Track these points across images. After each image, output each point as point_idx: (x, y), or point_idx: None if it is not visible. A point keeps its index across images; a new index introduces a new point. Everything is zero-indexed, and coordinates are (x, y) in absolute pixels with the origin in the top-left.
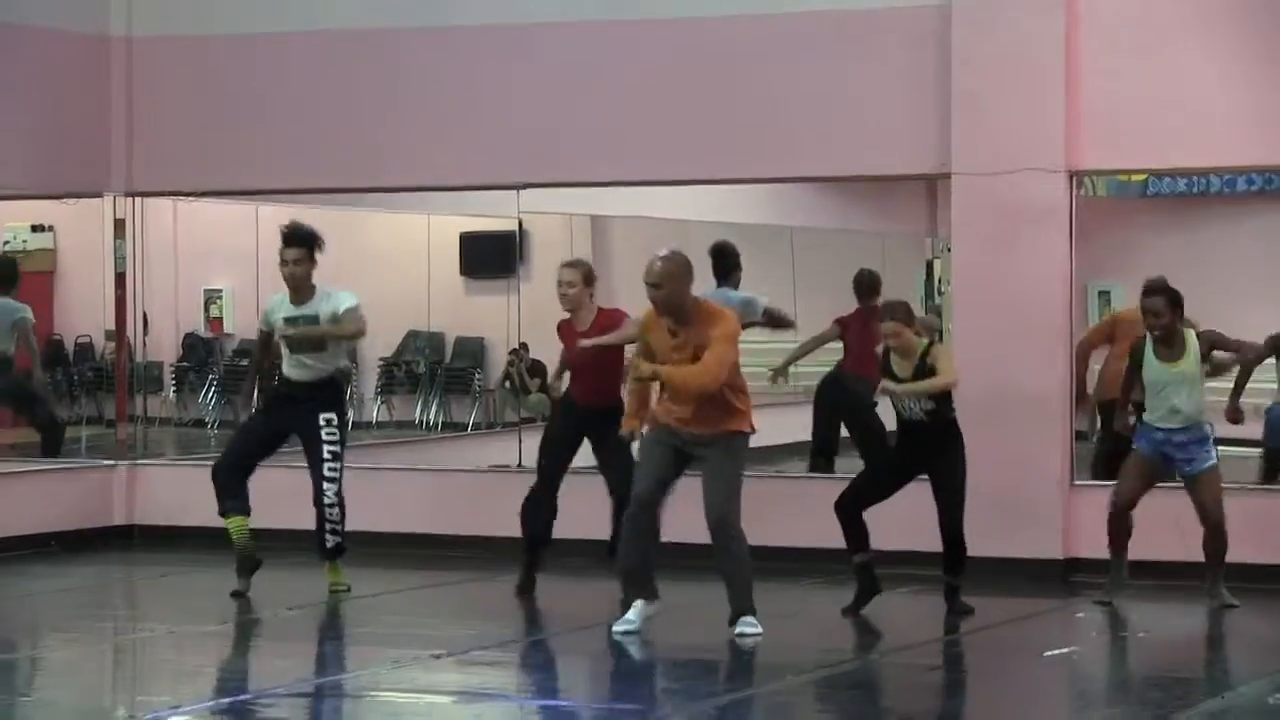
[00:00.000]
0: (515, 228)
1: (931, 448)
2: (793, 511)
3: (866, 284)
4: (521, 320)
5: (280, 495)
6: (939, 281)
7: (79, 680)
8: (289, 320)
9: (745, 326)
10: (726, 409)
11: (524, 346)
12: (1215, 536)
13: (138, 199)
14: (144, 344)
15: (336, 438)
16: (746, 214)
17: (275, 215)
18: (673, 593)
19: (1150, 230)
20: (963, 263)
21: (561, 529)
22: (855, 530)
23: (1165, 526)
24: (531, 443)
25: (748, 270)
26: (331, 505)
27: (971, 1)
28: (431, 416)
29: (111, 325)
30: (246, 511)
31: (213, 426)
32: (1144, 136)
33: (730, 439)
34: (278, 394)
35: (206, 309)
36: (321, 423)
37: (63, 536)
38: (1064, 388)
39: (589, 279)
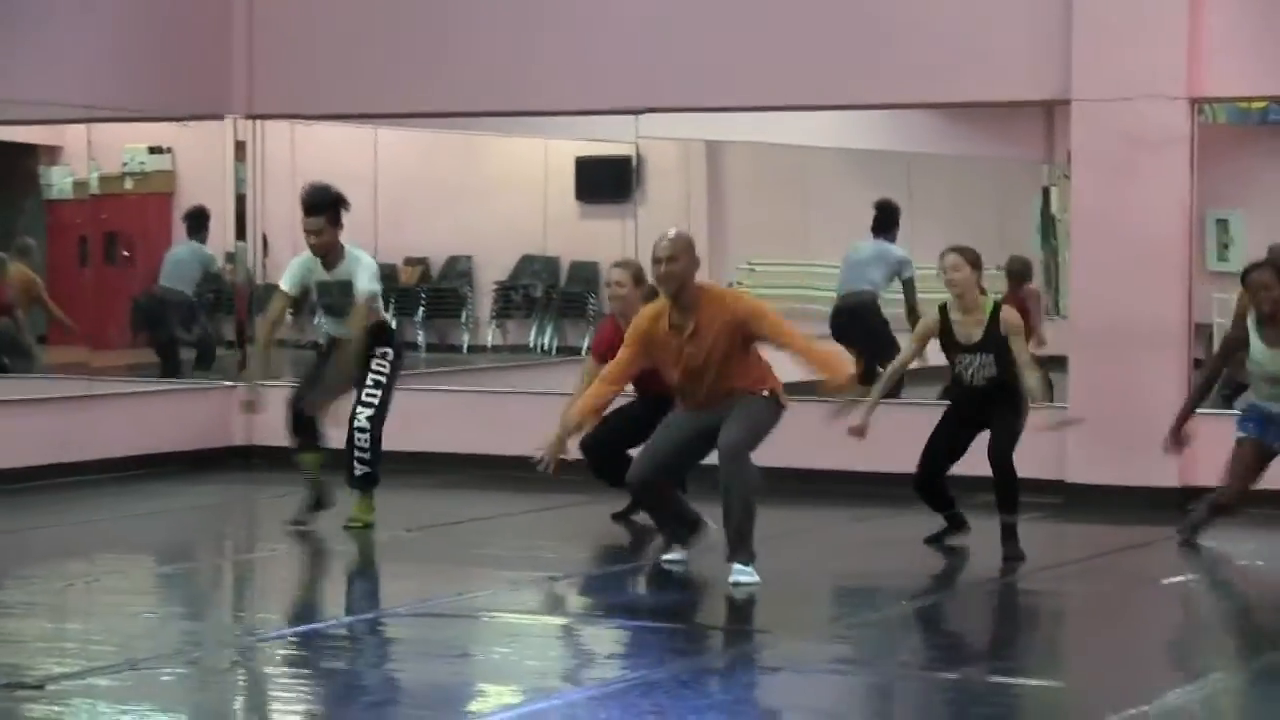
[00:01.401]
0: (631, 153)
1: (991, 404)
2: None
3: (1019, 269)
4: (638, 245)
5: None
6: (1055, 209)
7: (202, 599)
8: (322, 286)
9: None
10: (751, 376)
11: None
12: None
13: (258, 121)
14: (264, 266)
15: (385, 370)
16: (862, 140)
17: (393, 139)
18: (790, 519)
19: (1270, 158)
20: (1082, 191)
21: None
22: (941, 501)
23: None
24: None
25: (863, 196)
26: (362, 430)
27: None
28: (546, 341)
29: (231, 248)
30: (312, 448)
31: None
32: (1267, 63)
33: (765, 398)
34: (331, 345)
35: None
36: (377, 354)
37: (182, 457)
38: (1182, 316)
39: (639, 279)
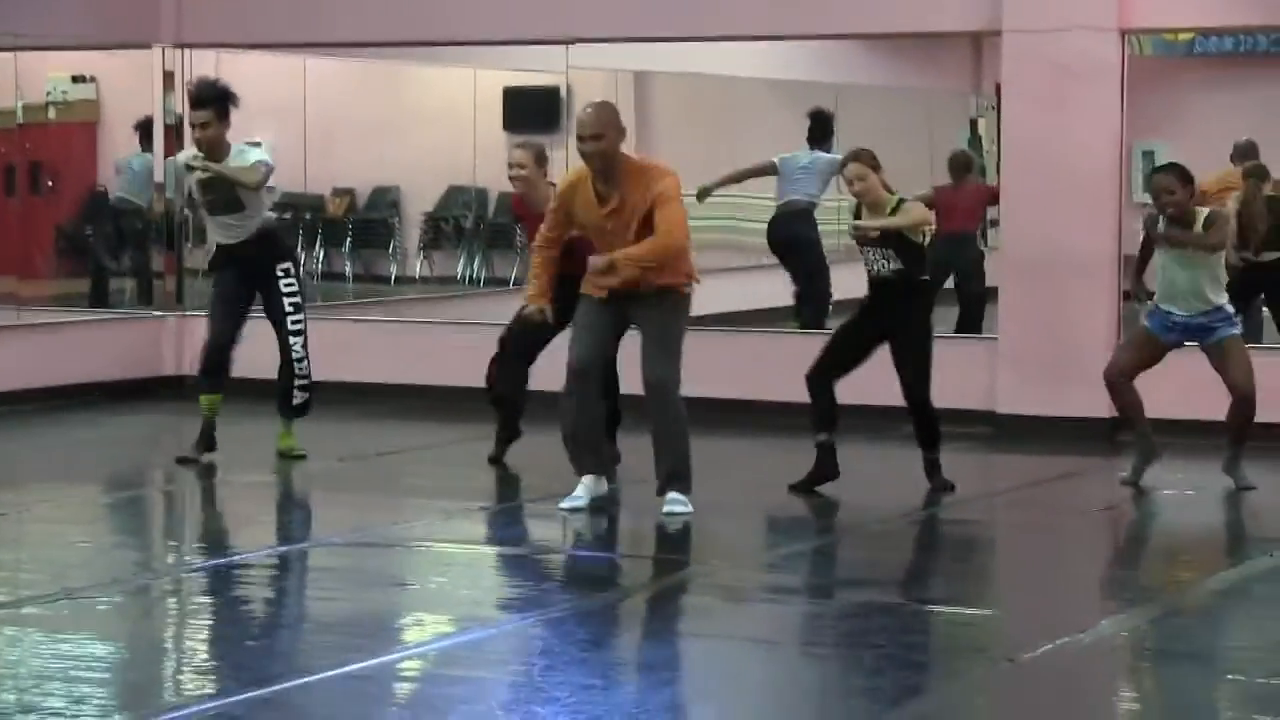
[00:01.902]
0: (559, 83)
1: (897, 311)
2: None
3: (961, 163)
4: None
5: (331, 349)
6: (983, 140)
7: (134, 529)
8: (205, 184)
9: None
10: (665, 264)
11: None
12: (1241, 408)
13: (186, 51)
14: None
15: (295, 287)
16: (790, 70)
17: (322, 68)
18: (722, 449)
19: (1197, 89)
20: (1012, 121)
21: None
22: (824, 405)
23: (1212, 383)
24: None
25: (791, 127)
26: (300, 359)
27: None
28: (474, 272)
29: (160, 177)
30: (219, 390)
31: None
32: None
33: (668, 295)
34: (224, 260)
35: None
36: (278, 273)
37: (113, 386)
38: (1112, 248)
39: (540, 159)
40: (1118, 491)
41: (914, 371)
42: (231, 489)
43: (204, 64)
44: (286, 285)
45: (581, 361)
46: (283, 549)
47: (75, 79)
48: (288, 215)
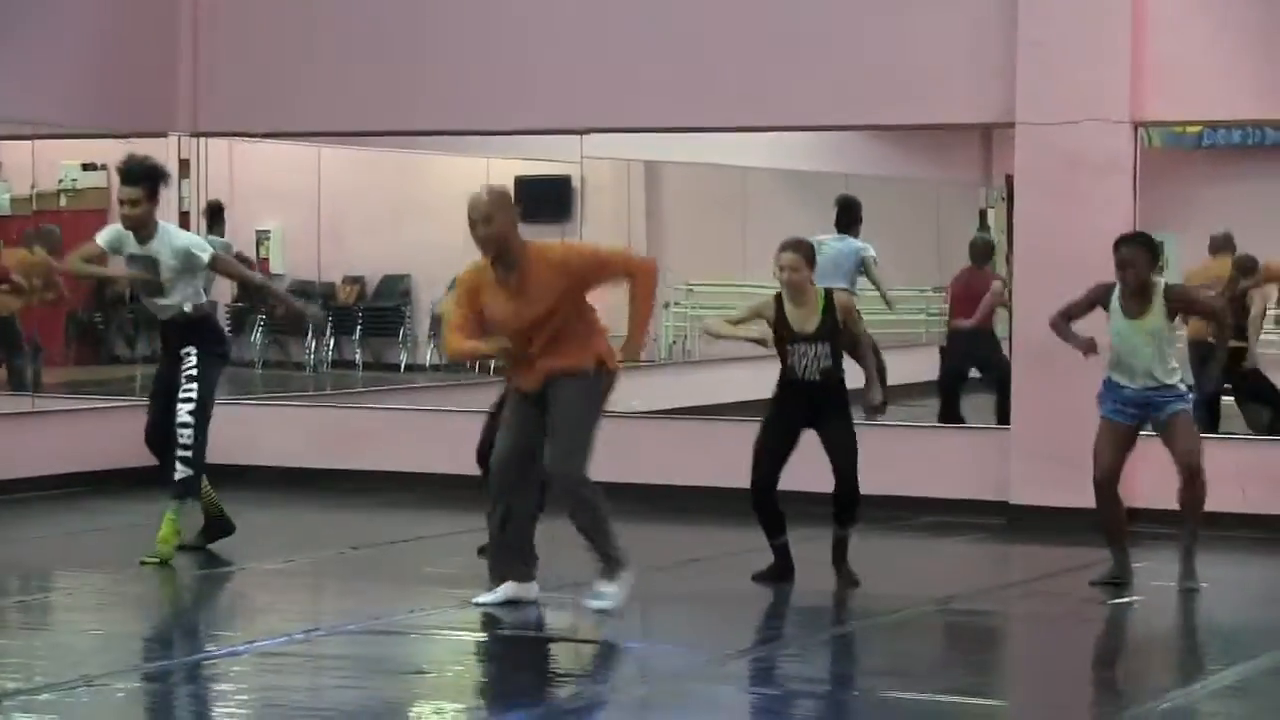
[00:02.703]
0: (570, 173)
1: (824, 404)
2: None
3: (982, 250)
4: None
5: (342, 437)
6: (991, 230)
7: (149, 614)
8: (132, 259)
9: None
10: (577, 342)
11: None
12: (1190, 486)
13: (202, 139)
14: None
15: (194, 365)
16: (800, 161)
17: (336, 157)
18: (736, 539)
19: (1205, 182)
20: (1025, 212)
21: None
22: (771, 517)
23: (1227, 479)
24: None
25: (801, 217)
26: (185, 425)
27: None
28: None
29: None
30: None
31: (260, 366)
32: (1210, 88)
33: (576, 378)
34: (161, 341)
35: (257, 249)
36: (181, 355)
37: (124, 473)
38: None
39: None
40: (1130, 586)
41: (847, 455)
42: (248, 576)
43: (216, 151)
44: (187, 365)
45: (498, 460)
46: (299, 636)
47: (85, 166)
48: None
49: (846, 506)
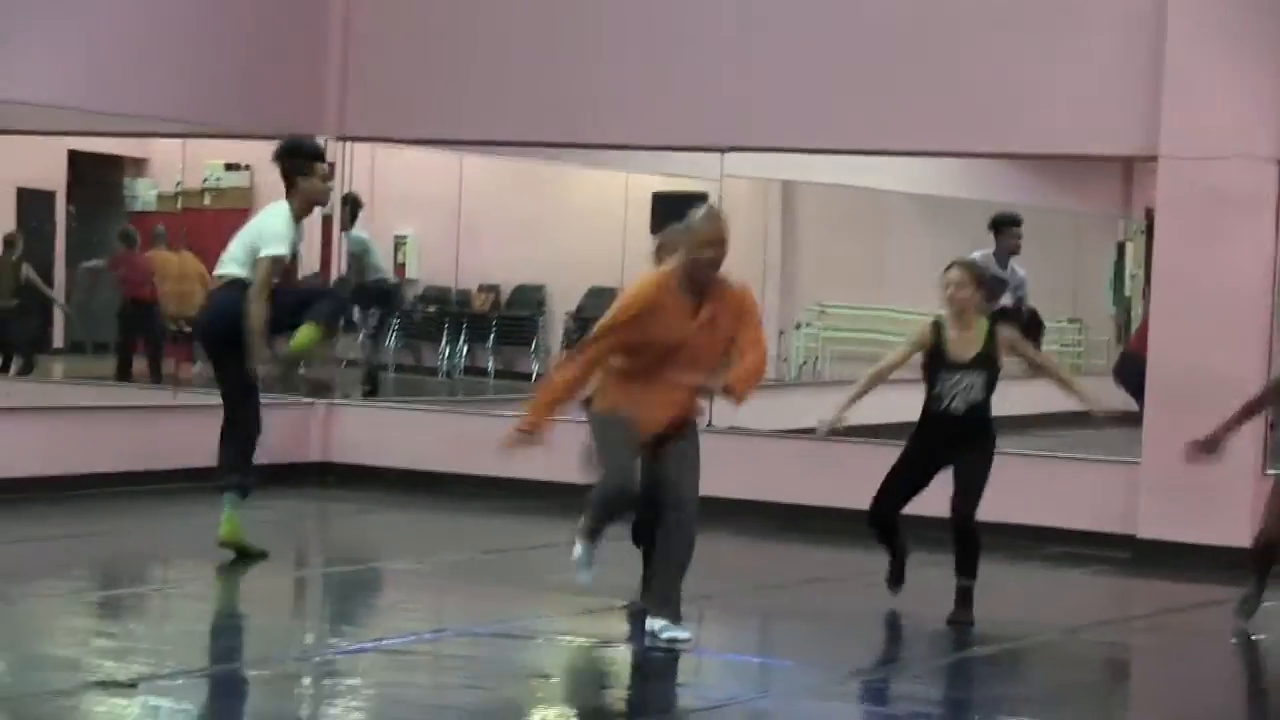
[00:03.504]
0: (708, 189)
1: (967, 439)
2: None
3: None
4: None
5: (475, 442)
6: (1128, 264)
7: (278, 611)
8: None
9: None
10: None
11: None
12: None
13: (348, 143)
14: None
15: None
16: (937, 186)
17: (477, 165)
18: (863, 560)
19: None
20: (1165, 247)
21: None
22: (892, 540)
23: None
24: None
25: (936, 242)
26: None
27: None
28: None
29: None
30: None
31: (393, 370)
32: None
33: (694, 424)
34: None
35: (394, 254)
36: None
37: (259, 471)
38: (1261, 374)
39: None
40: (1256, 622)
41: (970, 487)
42: (378, 575)
43: (359, 156)
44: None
45: (630, 487)
46: (426, 636)
47: (229, 166)
48: None
49: (964, 551)
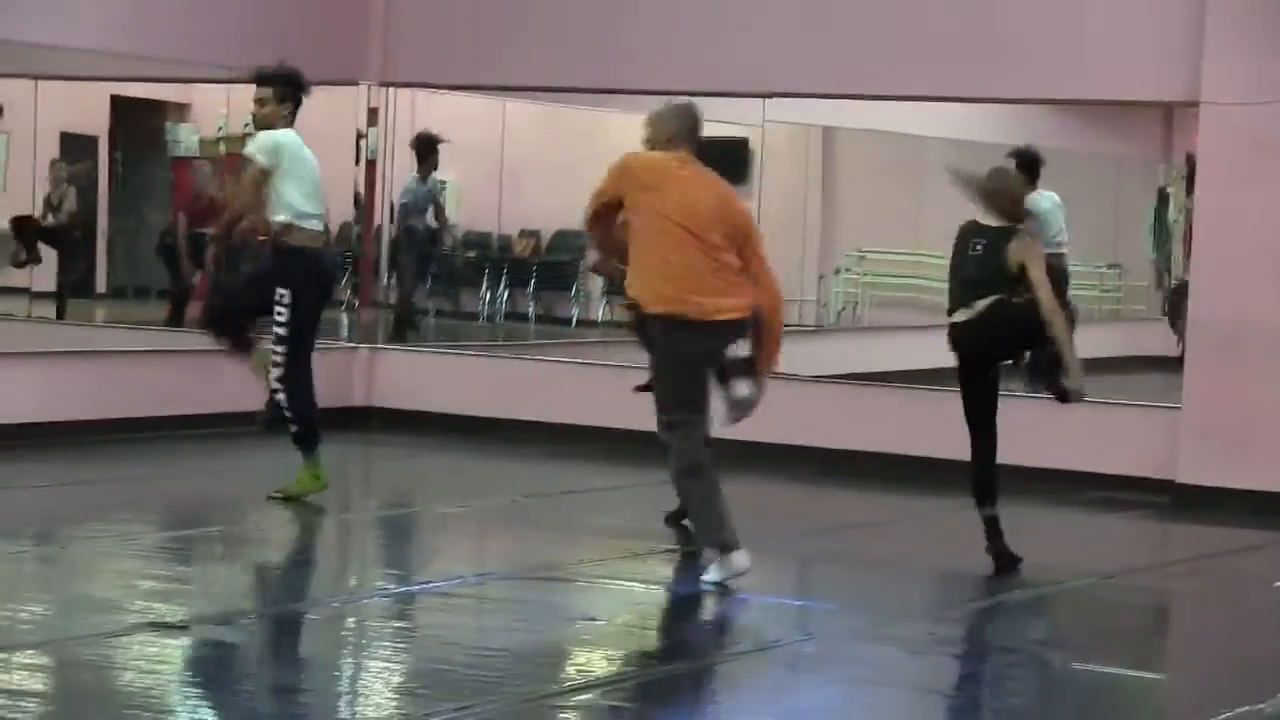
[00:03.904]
0: (747, 135)
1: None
2: None
3: None
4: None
5: (516, 387)
6: (1170, 209)
7: (326, 555)
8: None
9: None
10: None
11: None
12: None
13: (390, 89)
14: (391, 233)
15: (284, 317)
16: (976, 131)
17: (517, 110)
18: (900, 505)
19: None
20: (1206, 194)
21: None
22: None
23: None
24: None
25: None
26: (276, 391)
27: None
28: None
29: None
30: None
31: (433, 315)
32: None
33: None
34: None
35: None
36: (275, 295)
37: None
38: None
39: None
40: None
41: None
42: (422, 519)
43: (400, 101)
44: (277, 311)
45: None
46: (471, 579)
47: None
48: None
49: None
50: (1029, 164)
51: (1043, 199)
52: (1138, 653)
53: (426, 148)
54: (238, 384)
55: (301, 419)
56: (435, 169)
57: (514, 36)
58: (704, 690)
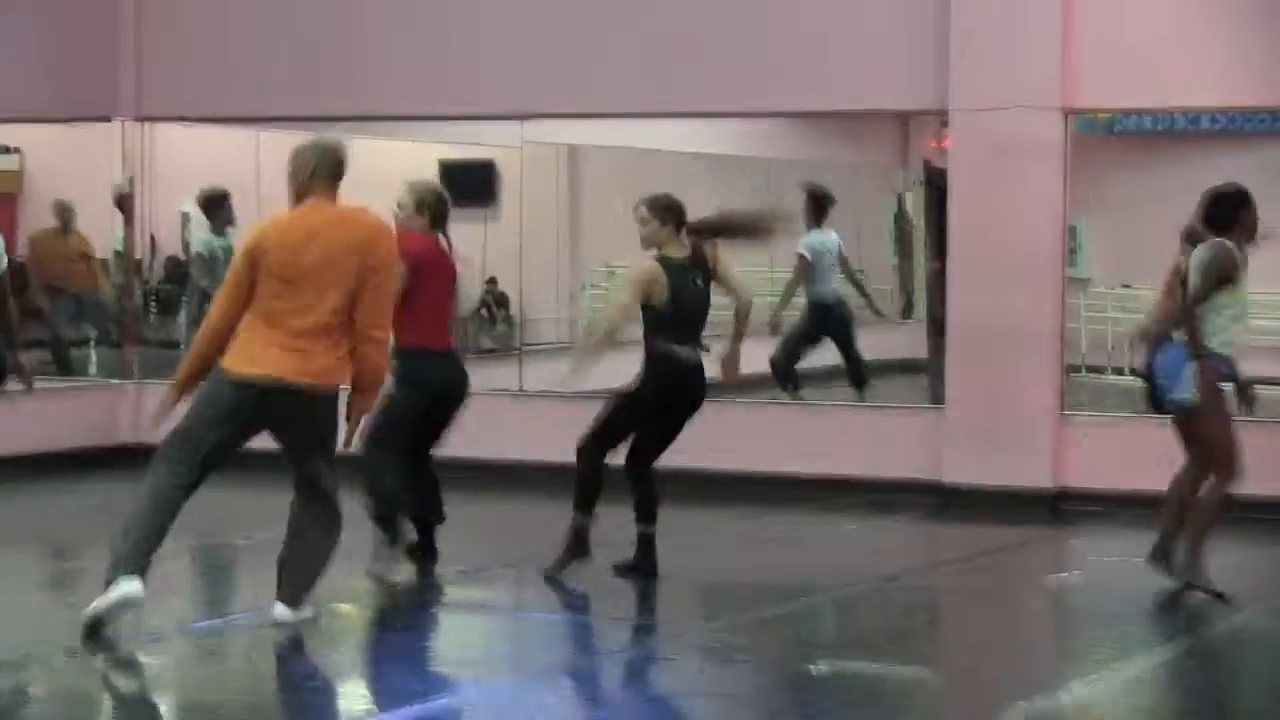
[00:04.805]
0: (493, 157)
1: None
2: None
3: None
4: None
5: None
6: (908, 215)
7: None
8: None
9: None
10: None
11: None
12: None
13: (145, 124)
14: (151, 267)
15: None
16: (719, 145)
17: (276, 140)
18: (684, 519)
19: (1116, 168)
20: (959, 197)
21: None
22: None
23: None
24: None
25: (726, 202)
26: None
27: None
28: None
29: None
30: None
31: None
32: (1138, 75)
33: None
34: None
35: (182, 230)
36: None
37: (69, 455)
38: (1055, 320)
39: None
40: (1070, 560)
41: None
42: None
43: (146, 136)
44: None
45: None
46: (250, 614)
47: (1, 150)
48: None
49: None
50: (816, 200)
51: (814, 237)
52: (927, 649)
53: (216, 203)
54: None
55: None
56: (231, 223)
57: (266, 66)
58: (509, 712)
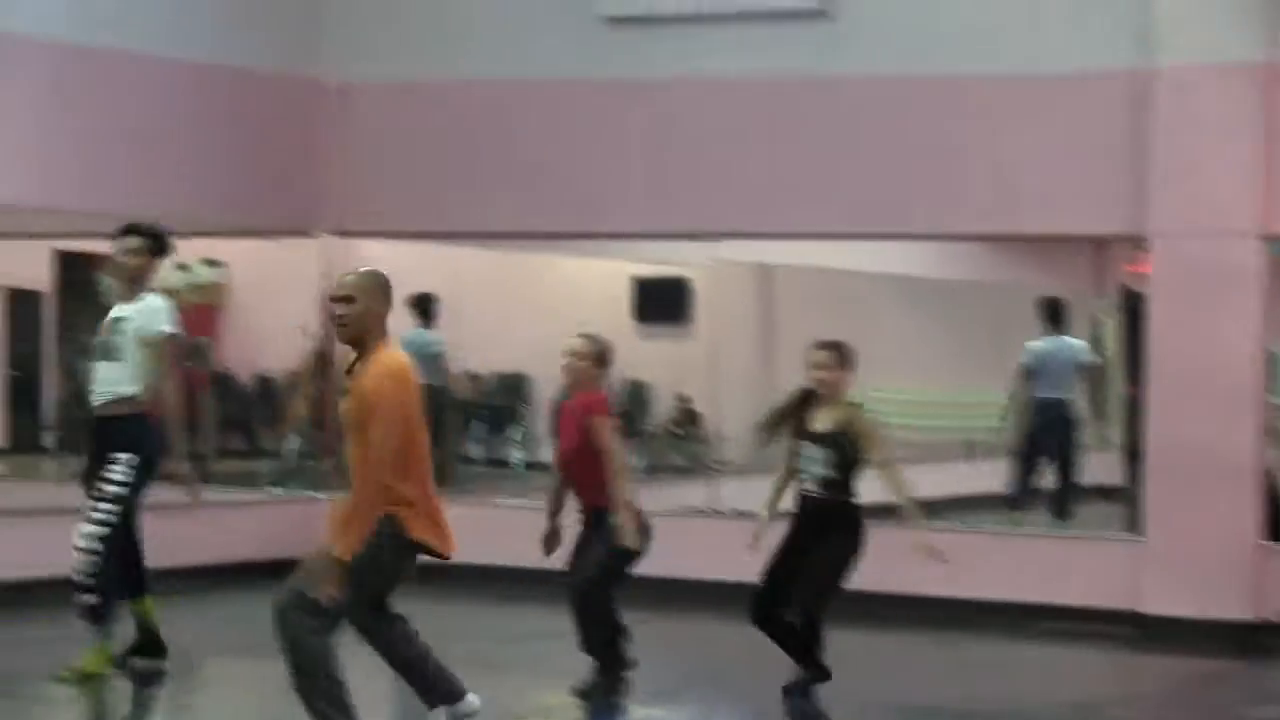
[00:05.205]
0: (686, 274)
1: (822, 527)
2: None
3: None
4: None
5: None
6: (1104, 341)
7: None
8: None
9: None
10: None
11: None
12: None
13: (345, 239)
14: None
15: (119, 477)
16: (909, 266)
17: (458, 255)
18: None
19: None
20: (1159, 323)
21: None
22: (783, 637)
23: None
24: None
25: (916, 324)
26: (81, 550)
27: (1175, 69)
28: None
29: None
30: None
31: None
32: None
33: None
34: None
35: None
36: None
37: (262, 566)
38: (1254, 448)
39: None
40: (1265, 694)
41: (809, 584)
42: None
43: (340, 250)
44: (110, 472)
45: None
46: None
47: (208, 262)
48: None
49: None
50: (1047, 308)
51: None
52: None
53: (427, 305)
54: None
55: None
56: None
57: (463, 184)
58: None
